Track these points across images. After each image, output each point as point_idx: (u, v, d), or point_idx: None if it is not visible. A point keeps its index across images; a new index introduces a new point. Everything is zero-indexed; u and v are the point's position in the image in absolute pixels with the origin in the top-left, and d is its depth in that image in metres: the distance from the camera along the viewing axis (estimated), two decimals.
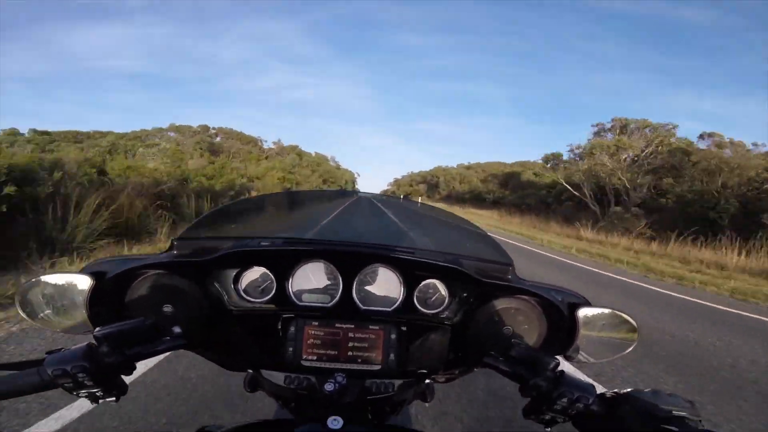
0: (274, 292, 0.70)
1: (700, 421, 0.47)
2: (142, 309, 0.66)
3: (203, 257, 0.67)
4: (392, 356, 0.67)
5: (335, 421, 0.49)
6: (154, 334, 0.55)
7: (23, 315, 0.62)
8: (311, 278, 0.71)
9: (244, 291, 0.70)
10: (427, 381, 0.75)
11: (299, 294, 0.70)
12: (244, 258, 0.70)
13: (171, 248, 0.73)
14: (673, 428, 0.45)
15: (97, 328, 0.52)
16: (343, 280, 0.70)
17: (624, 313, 0.68)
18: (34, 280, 0.62)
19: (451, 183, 50.00)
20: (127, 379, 0.55)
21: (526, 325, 0.70)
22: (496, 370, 0.60)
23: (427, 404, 0.81)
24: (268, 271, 0.70)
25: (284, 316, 0.68)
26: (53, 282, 0.62)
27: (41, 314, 0.63)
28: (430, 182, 55.07)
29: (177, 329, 0.56)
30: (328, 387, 0.59)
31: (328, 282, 0.71)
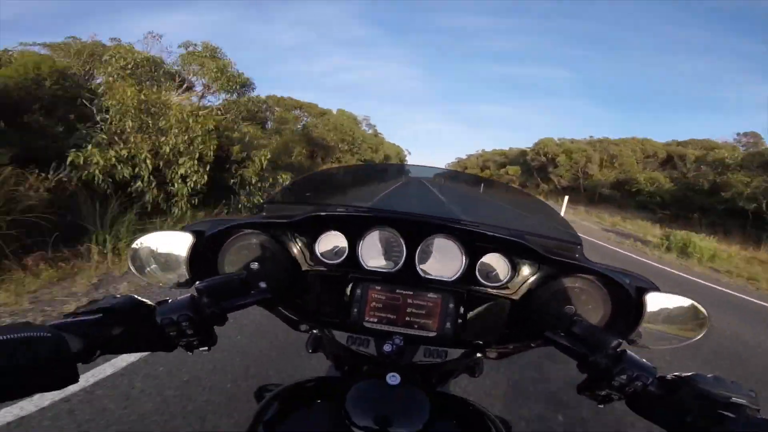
0: (345, 255, 0.75)
1: (759, 410, 0.46)
2: (233, 266, 0.74)
3: (288, 219, 0.73)
4: (448, 324, 0.70)
5: (393, 378, 0.53)
6: (244, 288, 0.60)
7: (133, 270, 0.71)
8: (379, 245, 0.75)
9: (320, 253, 0.76)
10: (479, 355, 0.78)
11: (367, 258, 0.75)
12: (324, 221, 0.76)
13: (261, 211, 0.81)
14: (731, 414, 0.44)
15: (197, 282, 0.59)
16: (407, 248, 0.74)
17: (696, 302, 0.65)
18: (143, 237, 0.71)
19: (573, 167, 28.93)
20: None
21: (590, 306, 0.70)
22: (556, 345, 0.60)
23: (475, 378, 0.83)
24: (342, 235, 0.76)
25: (352, 276, 0.73)
26: (159, 239, 0.71)
27: (148, 269, 0.72)
28: (533, 163, 33.09)
29: (263, 284, 0.64)
30: (387, 348, 0.64)
31: (394, 249, 0.75)
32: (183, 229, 0.73)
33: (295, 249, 0.76)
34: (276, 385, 0.71)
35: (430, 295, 0.71)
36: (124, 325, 0.50)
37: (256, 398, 0.77)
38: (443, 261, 0.74)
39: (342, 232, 0.76)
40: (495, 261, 0.74)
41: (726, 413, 0.44)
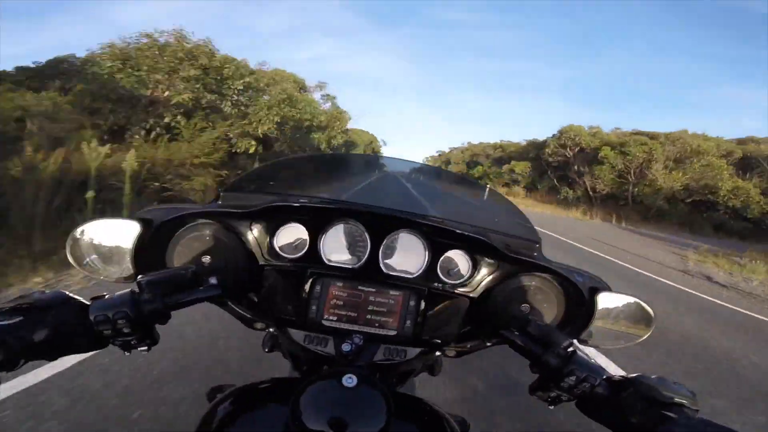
0: (306, 249, 0.73)
1: (698, 411, 0.48)
2: (184, 259, 0.69)
3: (248, 208, 0.69)
4: (408, 323, 0.69)
5: (350, 379, 0.52)
6: (192, 283, 0.57)
7: (71, 260, 0.65)
8: (342, 239, 0.73)
9: (279, 246, 0.73)
10: (438, 354, 0.78)
11: (329, 253, 0.73)
12: (284, 213, 0.73)
13: (217, 199, 0.76)
14: (673, 415, 0.46)
15: (140, 276, 0.55)
16: (370, 243, 0.72)
17: (644, 302, 0.68)
18: (86, 225, 0.64)
19: (626, 166, 20.49)
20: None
21: (545, 304, 0.72)
22: (510, 344, 0.62)
23: (433, 377, 0.83)
24: (303, 227, 0.73)
25: (312, 272, 0.70)
26: (103, 227, 0.65)
27: (87, 260, 0.65)
28: (552, 159, 24.52)
29: (213, 280, 0.59)
30: (346, 347, 0.62)
31: (358, 244, 0.73)
32: (130, 216, 0.67)
33: (252, 242, 0.73)
34: (230, 385, 0.68)
35: (392, 292, 0.70)
36: (50, 326, 0.46)
37: (208, 399, 0.73)
38: (406, 257, 0.73)
39: (303, 225, 0.73)
40: (457, 258, 0.74)
41: (668, 413, 0.47)
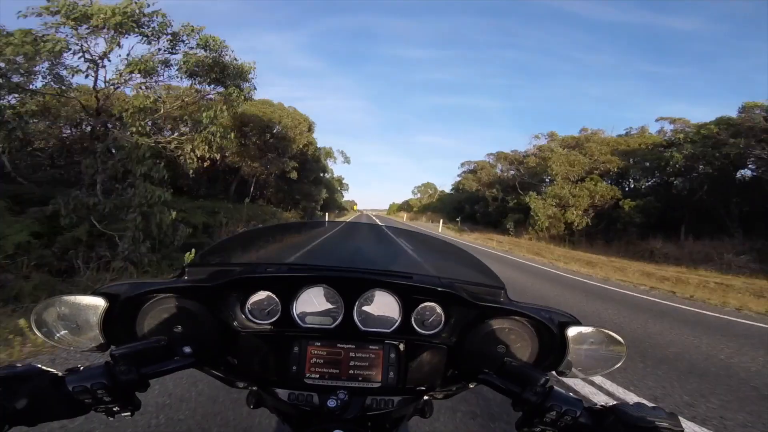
0: (279, 314, 0.73)
1: (682, 431, 0.50)
2: (155, 329, 0.69)
3: (212, 283, 0.70)
4: (392, 374, 0.69)
5: None
6: (166, 353, 0.58)
7: (39, 334, 0.64)
8: (314, 301, 0.74)
9: (251, 313, 0.73)
10: (426, 398, 0.78)
11: (303, 316, 0.73)
12: (251, 283, 0.74)
13: (182, 274, 0.77)
14: None
15: (113, 348, 0.55)
16: (344, 304, 0.74)
17: (610, 331, 0.71)
18: (48, 300, 0.65)
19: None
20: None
21: (519, 344, 0.73)
22: (490, 386, 0.63)
23: (426, 419, 0.83)
24: (273, 295, 0.74)
25: (288, 335, 0.71)
26: (68, 303, 0.65)
27: (57, 334, 0.65)
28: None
29: (187, 349, 0.60)
30: (331, 403, 0.62)
31: (330, 305, 0.74)
32: (94, 292, 0.68)
33: (223, 311, 0.73)
34: None
35: (372, 347, 0.70)
36: (28, 396, 0.48)
37: None
38: (381, 313, 0.75)
39: (272, 292, 0.74)
40: (429, 310, 0.76)
41: None
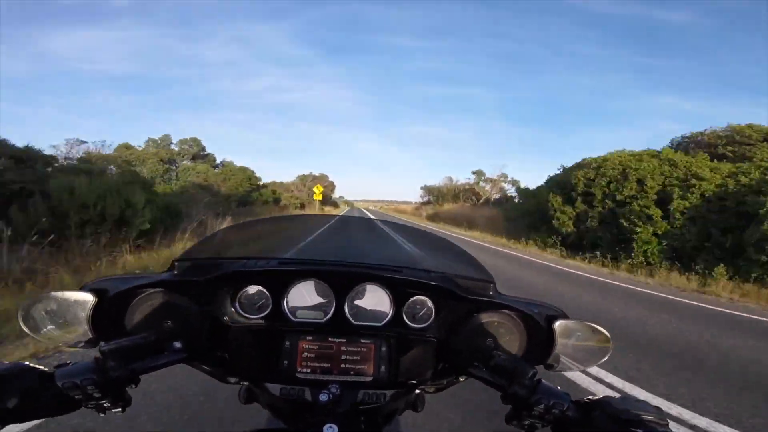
0: (270, 309, 0.73)
1: (667, 424, 0.51)
2: (144, 324, 0.68)
3: (201, 277, 0.70)
4: (383, 368, 0.70)
5: (330, 429, 0.52)
6: (156, 348, 0.58)
7: (26, 330, 0.64)
8: (305, 296, 0.74)
9: (242, 308, 0.73)
10: (417, 391, 0.78)
11: (294, 311, 0.73)
12: (241, 278, 0.73)
13: (171, 268, 0.76)
14: (639, 431, 0.49)
15: (102, 344, 0.55)
16: (335, 298, 0.74)
17: (596, 324, 0.72)
18: (36, 297, 0.65)
19: None
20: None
21: (507, 337, 0.74)
22: (479, 379, 0.64)
23: (419, 413, 0.84)
24: (264, 289, 0.74)
25: (280, 330, 0.71)
26: (56, 299, 0.65)
27: (44, 329, 0.65)
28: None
29: (177, 344, 0.60)
30: (323, 397, 0.62)
31: (322, 299, 0.74)
32: (82, 288, 0.67)
33: (213, 306, 0.73)
34: None
35: (363, 341, 0.71)
36: (17, 394, 0.48)
37: None
38: (372, 307, 0.75)
39: (263, 287, 0.74)
40: (420, 303, 0.76)
41: (636, 430, 0.49)
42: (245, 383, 0.77)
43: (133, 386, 0.56)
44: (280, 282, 0.74)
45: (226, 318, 0.73)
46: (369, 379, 0.70)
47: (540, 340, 0.73)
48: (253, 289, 0.74)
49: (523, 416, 0.57)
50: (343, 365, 0.69)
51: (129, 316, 0.69)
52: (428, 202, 51.44)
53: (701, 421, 2.49)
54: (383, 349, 0.71)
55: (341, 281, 0.74)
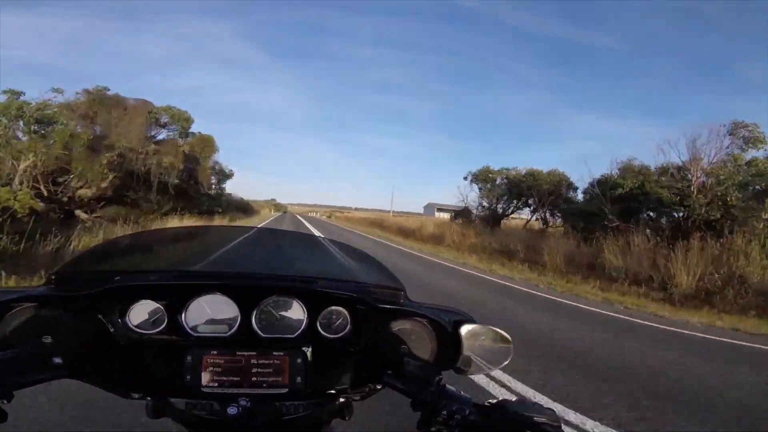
0: (166, 323, 0.69)
1: (560, 426, 0.55)
2: (19, 340, 0.62)
3: (81, 291, 0.64)
4: (299, 379, 0.69)
5: None
6: (32, 364, 0.53)
7: None
8: (207, 310, 0.70)
9: (134, 324, 0.68)
10: (342, 399, 0.77)
11: (193, 325, 0.69)
12: (130, 292, 0.68)
13: (48, 282, 0.69)
14: None
15: None
16: (241, 311, 0.71)
17: (497, 328, 0.78)
18: None
19: None
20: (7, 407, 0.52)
21: (419, 344, 0.77)
22: (392, 387, 0.64)
23: (347, 421, 0.83)
24: (157, 304, 0.69)
25: (179, 343, 0.66)
26: None
27: None
28: None
29: (57, 360, 0.54)
30: (231, 411, 0.59)
31: (225, 314, 0.71)
32: None
33: (99, 321, 0.67)
34: None
35: (276, 353, 0.69)
36: None
37: None
38: (284, 319, 0.73)
39: (157, 301, 0.69)
40: (336, 314, 0.76)
41: None
42: (149, 399, 0.72)
43: (5, 401, 0.51)
44: (176, 296, 0.69)
45: (115, 333, 0.67)
46: (284, 390, 0.68)
47: (449, 344, 0.77)
48: (144, 303, 0.69)
49: (432, 422, 0.58)
50: (254, 378, 0.67)
51: (2, 331, 0.62)
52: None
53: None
54: (298, 360, 0.69)
55: (247, 294, 0.72)
